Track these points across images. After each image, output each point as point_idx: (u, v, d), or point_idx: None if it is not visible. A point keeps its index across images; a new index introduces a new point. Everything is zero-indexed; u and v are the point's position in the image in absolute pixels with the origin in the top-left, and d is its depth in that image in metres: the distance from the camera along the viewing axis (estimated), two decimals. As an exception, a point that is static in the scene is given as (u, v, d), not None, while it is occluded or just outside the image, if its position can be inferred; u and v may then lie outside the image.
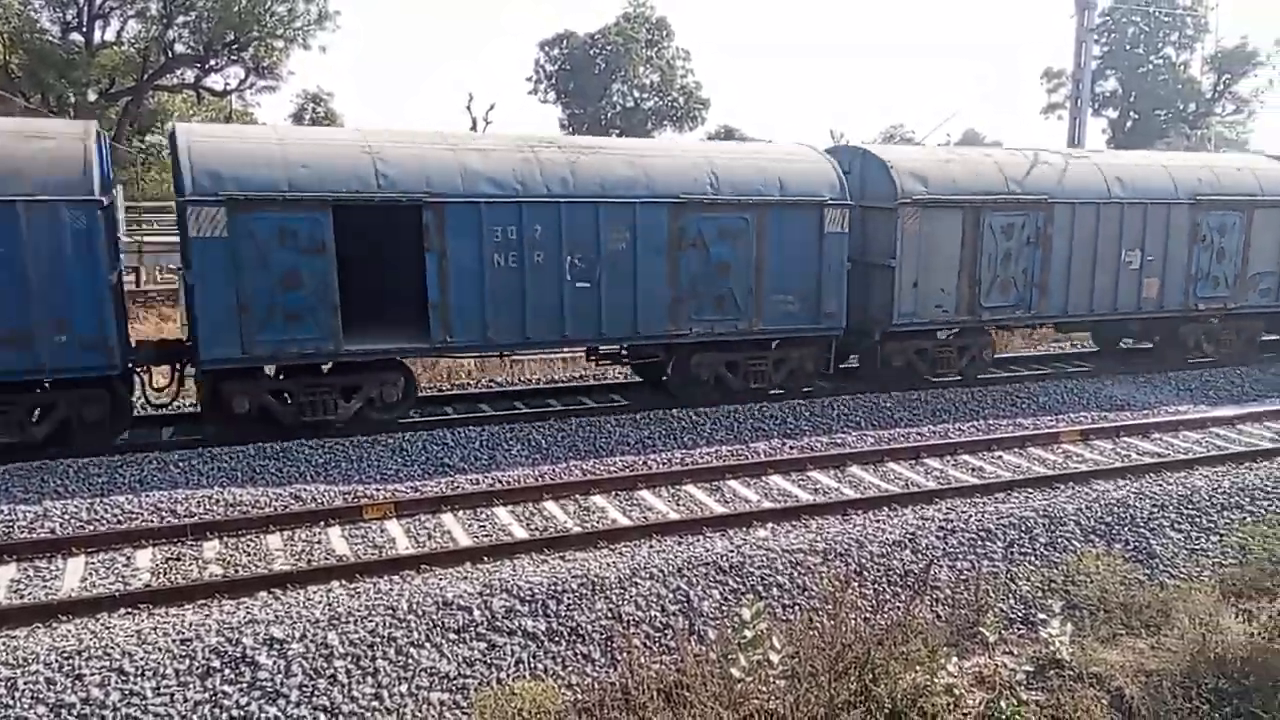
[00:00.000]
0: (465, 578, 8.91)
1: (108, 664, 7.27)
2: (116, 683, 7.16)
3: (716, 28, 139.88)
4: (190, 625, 7.79)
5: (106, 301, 11.41)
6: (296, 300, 12.06)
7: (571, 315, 13.54)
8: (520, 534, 10.17)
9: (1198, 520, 11.08)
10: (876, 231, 15.87)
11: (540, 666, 8.06)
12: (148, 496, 10.64)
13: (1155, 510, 11.10)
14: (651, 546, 9.82)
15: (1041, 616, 8.94)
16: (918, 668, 7.94)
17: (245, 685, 7.34)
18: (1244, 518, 11.21)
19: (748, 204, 14.31)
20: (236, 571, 9.13)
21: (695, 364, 14.87)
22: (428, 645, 7.96)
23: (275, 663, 7.52)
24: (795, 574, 9.39)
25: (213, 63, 39.96)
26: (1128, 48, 52.44)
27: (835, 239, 14.95)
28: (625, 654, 8.11)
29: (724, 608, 8.87)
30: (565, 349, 15.68)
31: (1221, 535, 10.88)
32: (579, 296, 13.53)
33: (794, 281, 14.79)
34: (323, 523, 10.32)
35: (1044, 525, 10.58)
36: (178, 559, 9.41)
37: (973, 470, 12.58)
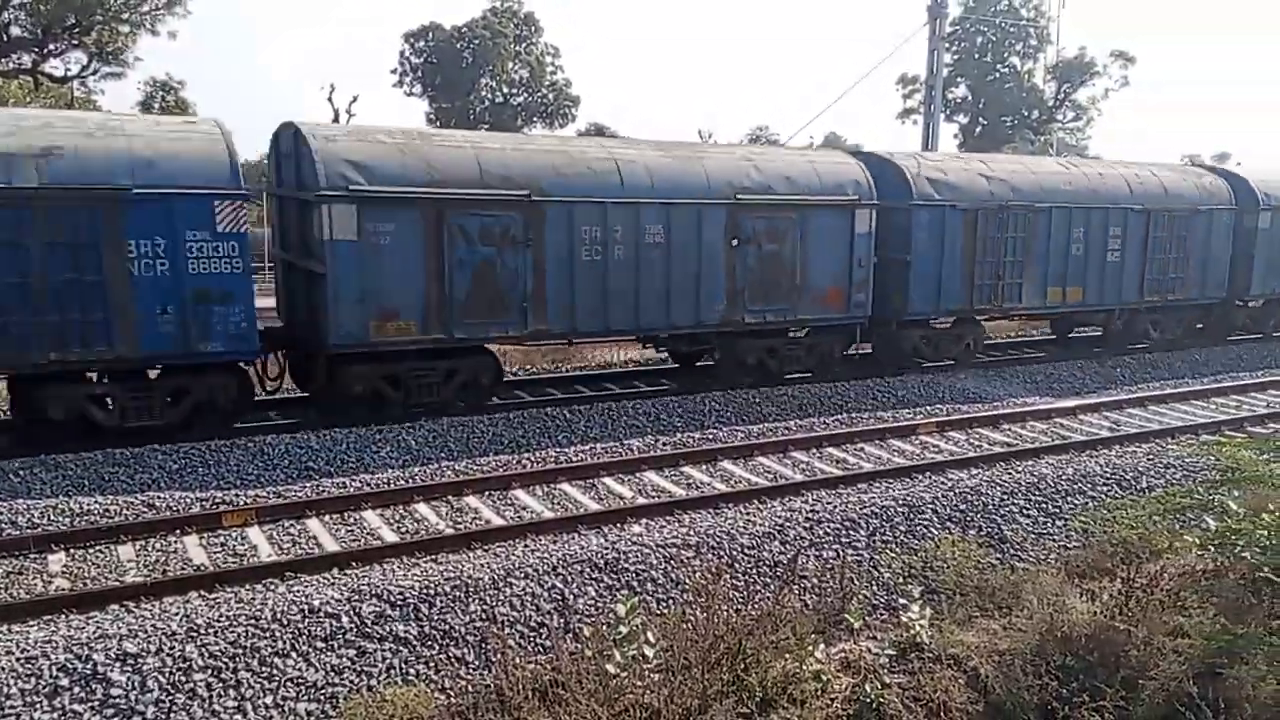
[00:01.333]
0: (332, 584, 8.66)
1: (-60, 689, 6.77)
2: (-49, 708, 6.68)
3: (587, 27, 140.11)
4: (35, 643, 7.32)
5: None
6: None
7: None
8: (390, 537, 9.96)
9: (1044, 506, 11.72)
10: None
11: (412, 671, 7.90)
12: (-17, 508, 9.95)
13: (1006, 497, 11.69)
14: (526, 546, 9.77)
15: (902, 602, 9.30)
16: (787, 655, 8.14)
17: (97, 703, 6.95)
18: (1086, 503, 11.92)
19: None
20: (85, 584, 8.64)
21: None
22: (293, 654, 7.70)
23: (129, 679, 7.15)
24: (669, 568, 9.49)
25: (52, 47, 37.54)
26: (976, 56, 55.10)
27: None
28: (500, 655, 8.03)
29: (599, 604, 8.90)
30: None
31: (1066, 520, 11.54)
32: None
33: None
34: (178, 531, 9.86)
35: (904, 514, 11.00)
36: (20, 573, 8.83)
37: (837, 462, 12.99)
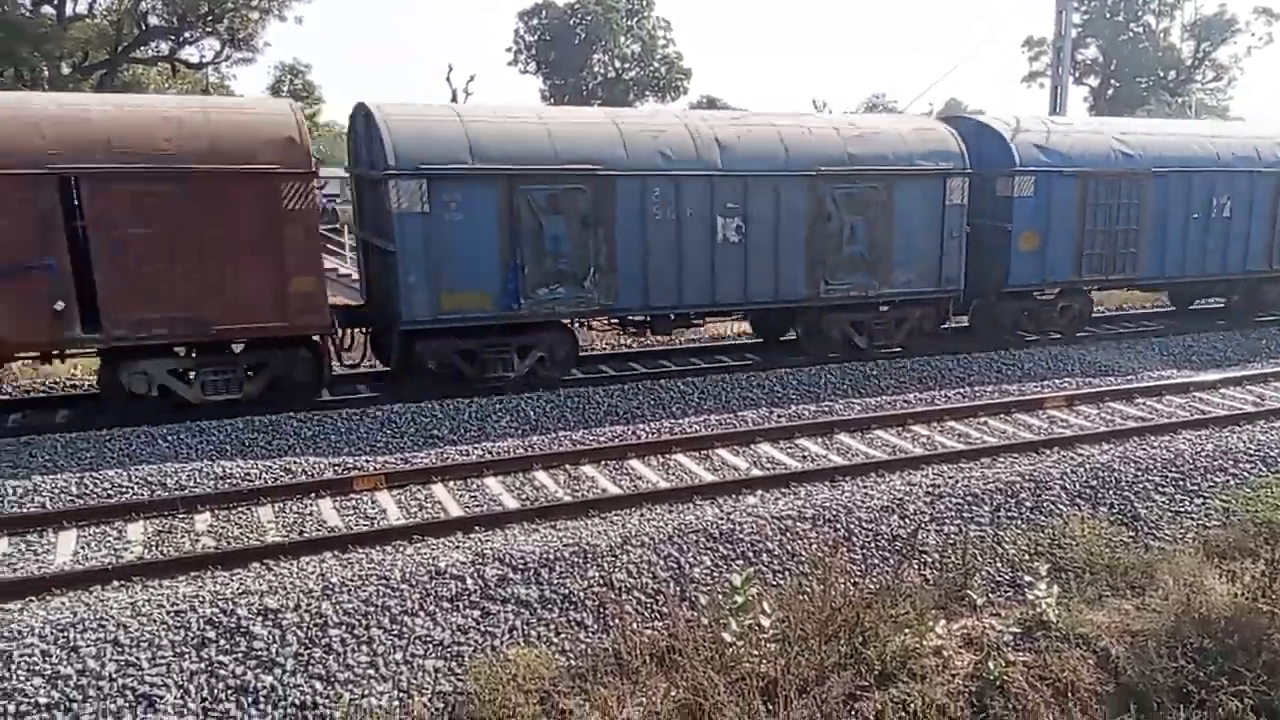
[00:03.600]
0: (457, 547, 8.94)
1: (102, 635, 7.28)
2: (112, 654, 7.17)
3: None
4: (184, 597, 7.79)
5: None
6: None
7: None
8: (511, 504, 10.20)
9: (1181, 483, 11.21)
10: None
11: (534, 633, 8.11)
12: (137, 470, 10.60)
13: (1140, 474, 11.22)
14: (642, 515, 9.87)
15: (1028, 579, 9.04)
16: (906, 630, 8.04)
17: (240, 655, 7.36)
18: (1227, 480, 11.34)
19: None
20: (229, 543, 9.14)
21: None
22: (421, 614, 7.99)
23: (270, 633, 7.55)
24: (785, 540, 9.46)
25: (187, 35, 39.38)
26: (1108, 15, 52.39)
27: None
28: (617, 620, 8.17)
29: (714, 574, 8.94)
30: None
31: (1205, 498, 11.01)
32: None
33: None
34: (313, 494, 10.32)
35: (1030, 489, 10.68)
36: (169, 532, 9.40)
37: (959, 436, 12.68)
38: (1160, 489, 11.05)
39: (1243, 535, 10.12)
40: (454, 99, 47.34)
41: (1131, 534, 10.33)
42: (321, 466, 11.10)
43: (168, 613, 7.57)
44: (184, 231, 11.54)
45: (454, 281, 12.94)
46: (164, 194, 11.39)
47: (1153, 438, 12.43)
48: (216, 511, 9.86)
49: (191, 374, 12.37)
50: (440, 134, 12.89)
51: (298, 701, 7.22)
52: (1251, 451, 11.96)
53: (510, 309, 13.42)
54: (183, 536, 9.30)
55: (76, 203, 11.24)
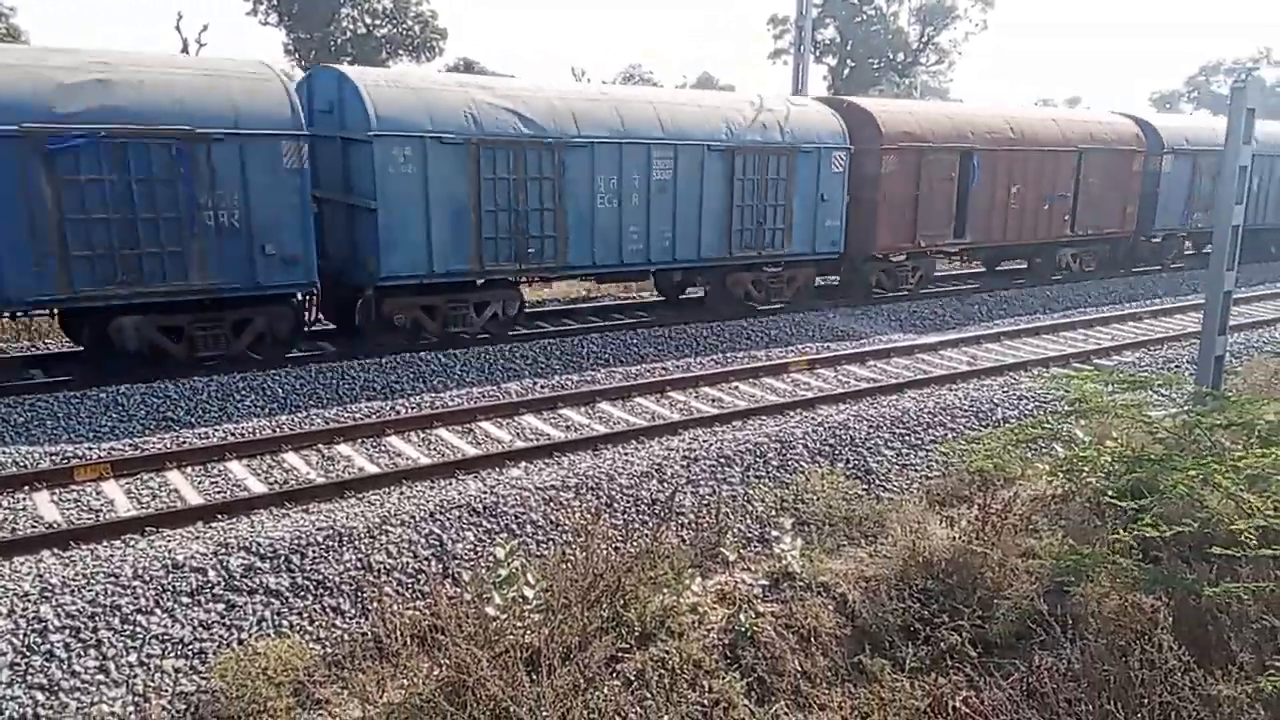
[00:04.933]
0: (197, 537, 8.37)
1: None
2: None
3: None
4: None
5: None
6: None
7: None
8: (258, 488, 9.65)
9: (907, 438, 12.22)
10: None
11: (285, 624, 7.72)
12: None
13: (871, 431, 12.13)
14: (402, 493, 9.63)
15: (775, 534, 9.57)
16: (665, 590, 8.29)
17: (-60, 674, 6.56)
18: (946, 434, 12.46)
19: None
20: (-77, 548, 8.09)
21: None
22: (158, 611, 7.42)
23: (-23, 645, 6.77)
24: (549, 510, 9.51)
25: None
26: (844, -2, 55.63)
27: None
28: (377, 603, 7.93)
29: (479, 549, 8.87)
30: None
31: (927, 451, 12.06)
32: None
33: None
34: (27, 487, 9.33)
35: (776, 449, 11.29)
36: None
37: (712, 401, 13.21)
38: (889, 444, 12.00)
39: (959, 483, 11.15)
40: (185, 50, 43.68)
41: (865, 486, 11.15)
42: (36, 456, 10.04)
43: None
44: (1026, 185, 22.13)
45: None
46: (1015, 159, 21.69)
47: (882, 397, 13.47)
48: (-94, 513, 8.71)
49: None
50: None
51: (16, 715, 6.53)
52: (966, 406, 13.21)
53: None
54: None
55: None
